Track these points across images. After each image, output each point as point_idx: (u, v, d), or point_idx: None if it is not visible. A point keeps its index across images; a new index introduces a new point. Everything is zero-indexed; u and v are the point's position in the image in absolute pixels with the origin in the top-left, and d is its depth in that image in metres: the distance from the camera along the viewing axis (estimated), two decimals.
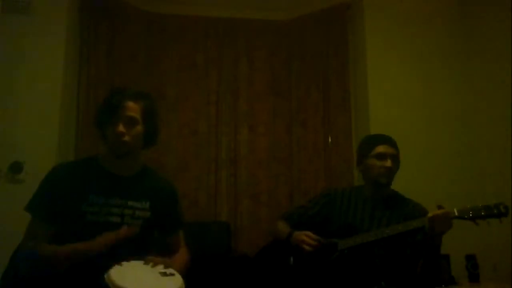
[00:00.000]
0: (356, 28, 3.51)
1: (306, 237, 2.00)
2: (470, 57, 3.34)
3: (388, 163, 1.99)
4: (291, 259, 2.06)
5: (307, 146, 3.61)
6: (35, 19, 3.01)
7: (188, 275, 1.51)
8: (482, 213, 1.76)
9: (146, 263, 1.48)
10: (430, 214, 1.76)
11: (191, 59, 3.72)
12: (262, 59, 3.79)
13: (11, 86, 2.91)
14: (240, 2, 3.78)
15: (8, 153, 2.84)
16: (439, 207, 1.79)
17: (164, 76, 3.66)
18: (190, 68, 3.71)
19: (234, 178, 3.59)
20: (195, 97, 3.68)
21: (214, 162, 3.59)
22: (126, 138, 1.59)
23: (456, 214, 1.78)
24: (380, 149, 2.02)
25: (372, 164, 2.03)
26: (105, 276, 1.34)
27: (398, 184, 2.10)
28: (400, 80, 3.32)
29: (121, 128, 1.58)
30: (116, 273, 1.35)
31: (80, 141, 3.17)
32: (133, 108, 1.61)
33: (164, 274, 1.44)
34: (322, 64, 3.62)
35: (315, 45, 3.68)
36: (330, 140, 3.53)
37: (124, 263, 1.42)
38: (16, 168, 2.83)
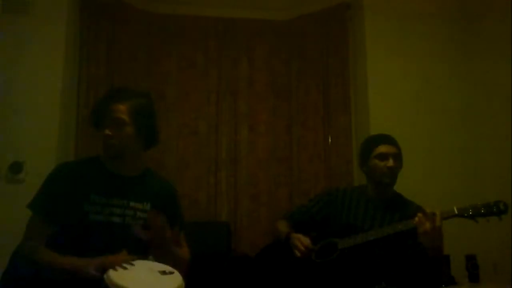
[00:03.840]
0: (356, 28, 3.51)
1: (298, 242, 2.00)
2: (470, 57, 3.34)
3: (390, 162, 1.99)
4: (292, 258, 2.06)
5: (307, 146, 3.61)
6: (35, 19, 3.01)
7: (188, 275, 1.51)
8: (482, 211, 1.76)
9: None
10: (416, 219, 1.77)
11: (191, 59, 3.72)
12: (262, 59, 3.79)
13: (11, 86, 2.90)
14: (240, 2, 3.78)
15: (8, 153, 2.84)
16: (422, 211, 1.80)
17: (164, 76, 3.67)
18: (190, 68, 3.71)
19: (234, 178, 3.59)
20: (195, 97, 3.68)
21: (214, 162, 3.59)
22: (113, 141, 1.60)
23: (456, 212, 1.79)
24: (382, 149, 2.02)
25: (375, 164, 2.02)
26: (105, 275, 1.34)
27: (399, 184, 2.10)
28: (400, 80, 3.31)
29: (107, 131, 1.59)
30: (116, 272, 1.35)
31: (80, 141, 3.17)
32: (119, 110, 1.60)
33: (164, 272, 1.44)
34: (322, 64, 3.62)
35: (315, 45, 3.68)
36: (330, 140, 3.53)
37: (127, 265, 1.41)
38: (16, 168, 2.83)
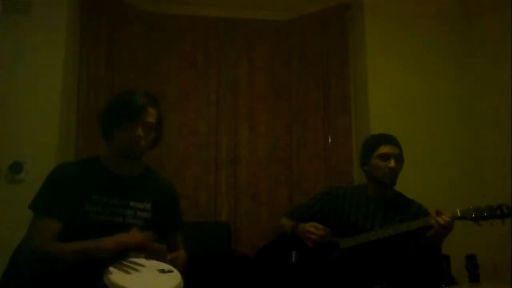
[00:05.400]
0: (356, 28, 3.51)
1: (313, 228, 2.00)
2: (470, 57, 3.34)
3: (392, 163, 1.99)
4: (293, 255, 2.05)
5: (307, 146, 3.61)
6: (35, 19, 3.01)
7: (188, 275, 1.51)
8: (485, 214, 1.76)
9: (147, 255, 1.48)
10: (433, 222, 1.77)
11: (191, 59, 3.72)
12: (262, 59, 3.79)
13: (11, 86, 2.90)
14: (240, 2, 3.78)
15: (8, 153, 2.84)
16: (438, 213, 1.79)
17: (164, 76, 3.66)
18: (190, 68, 3.71)
19: (234, 178, 3.59)
20: (195, 97, 3.68)
21: (214, 162, 3.59)
22: (143, 142, 1.61)
23: (459, 214, 1.79)
24: (384, 149, 2.02)
25: (376, 164, 2.02)
26: (104, 274, 1.34)
27: (398, 184, 2.10)
28: (400, 80, 3.31)
29: (140, 132, 1.59)
30: (115, 271, 1.35)
31: (80, 141, 3.17)
32: (152, 114, 1.64)
33: (163, 271, 1.44)
34: (322, 64, 3.62)
35: (315, 45, 3.68)
36: (330, 140, 3.53)
37: (124, 261, 1.41)
38: (16, 168, 2.83)
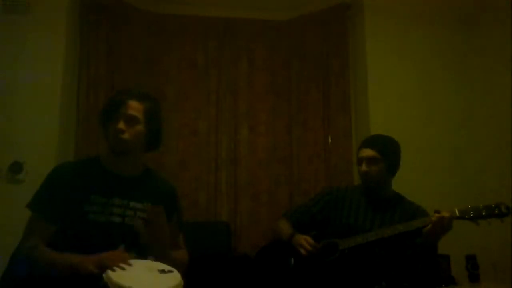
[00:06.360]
0: (356, 28, 3.51)
1: (304, 241, 2.00)
2: (470, 57, 3.34)
3: (363, 167, 2.03)
4: (292, 259, 2.06)
5: (307, 146, 3.61)
6: (35, 19, 3.01)
7: (188, 275, 1.51)
8: (483, 213, 1.76)
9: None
10: (434, 218, 1.77)
11: (191, 59, 3.72)
12: (262, 59, 3.79)
13: (11, 86, 2.91)
14: (240, 2, 3.78)
15: (8, 153, 2.84)
16: (437, 211, 1.79)
17: (164, 76, 3.66)
18: (190, 68, 3.71)
19: (234, 178, 3.59)
20: (195, 97, 3.68)
21: (214, 162, 3.59)
22: (125, 136, 1.59)
23: (457, 214, 1.79)
24: (360, 153, 2.08)
25: (357, 169, 2.10)
26: (104, 274, 1.34)
27: (398, 185, 2.10)
28: (400, 80, 3.31)
29: (121, 125, 1.59)
30: (115, 271, 1.35)
31: (80, 141, 3.17)
32: (135, 107, 1.62)
33: (163, 271, 1.44)
34: (322, 64, 3.62)
35: (315, 45, 3.68)
36: (330, 140, 3.52)
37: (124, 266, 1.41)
38: (16, 168, 2.83)
